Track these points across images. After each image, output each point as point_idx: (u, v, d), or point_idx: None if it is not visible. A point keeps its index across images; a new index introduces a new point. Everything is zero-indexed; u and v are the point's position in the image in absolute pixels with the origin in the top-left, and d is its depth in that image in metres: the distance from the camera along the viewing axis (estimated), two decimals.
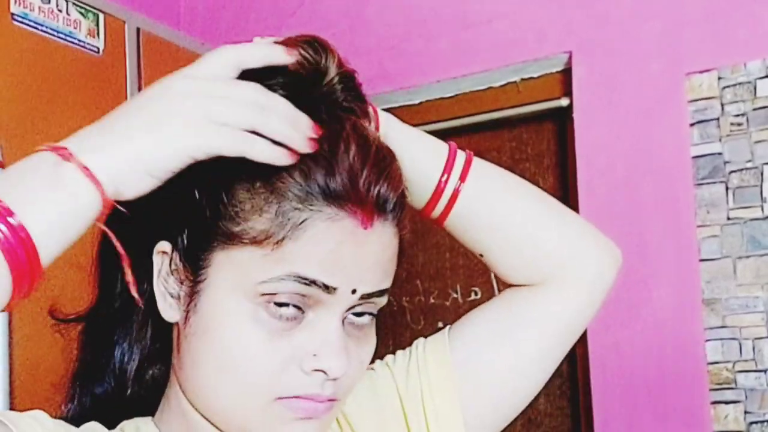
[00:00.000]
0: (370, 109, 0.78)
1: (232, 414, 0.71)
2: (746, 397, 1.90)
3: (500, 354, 0.86)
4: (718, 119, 1.97)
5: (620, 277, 0.90)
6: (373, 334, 0.76)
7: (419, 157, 0.83)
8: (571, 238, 0.87)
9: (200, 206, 0.69)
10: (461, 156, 0.85)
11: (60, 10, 1.91)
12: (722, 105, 1.97)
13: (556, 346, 0.88)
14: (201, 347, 0.70)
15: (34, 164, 0.62)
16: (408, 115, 2.38)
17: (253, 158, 0.65)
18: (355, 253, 0.69)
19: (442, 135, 0.89)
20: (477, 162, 0.86)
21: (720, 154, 1.97)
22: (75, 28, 1.94)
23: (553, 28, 2.18)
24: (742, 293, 1.92)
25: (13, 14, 1.81)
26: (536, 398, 0.90)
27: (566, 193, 2.22)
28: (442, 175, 0.84)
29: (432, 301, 2.40)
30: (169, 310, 0.72)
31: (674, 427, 1.97)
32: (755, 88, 1.94)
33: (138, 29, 2.10)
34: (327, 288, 0.69)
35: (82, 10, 1.96)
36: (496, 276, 0.98)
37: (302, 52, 0.70)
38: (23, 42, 1.84)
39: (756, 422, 1.89)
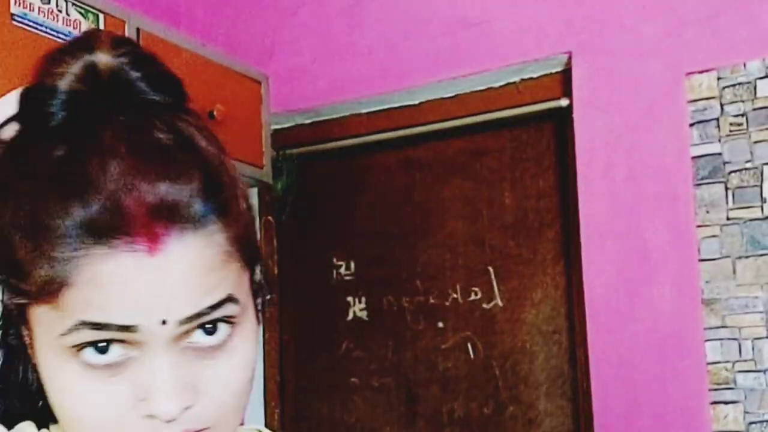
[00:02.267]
0: None
1: None
2: (746, 397, 1.90)
3: None
4: (717, 119, 1.97)
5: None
6: (239, 343, 0.65)
7: None
8: None
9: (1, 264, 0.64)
10: None
11: (60, 11, 1.91)
12: (722, 105, 1.97)
13: None
14: (52, 401, 0.66)
15: None
16: (408, 115, 2.39)
17: None
18: (148, 284, 0.58)
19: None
20: None
21: (719, 154, 1.97)
22: (75, 28, 1.94)
23: (552, 29, 2.18)
24: (742, 293, 1.92)
25: (12, 14, 1.81)
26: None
27: (566, 193, 2.23)
28: None
29: (432, 301, 2.39)
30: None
31: (673, 427, 1.97)
32: (755, 88, 1.94)
33: (138, 29, 2.10)
34: (125, 328, 0.59)
35: (82, 11, 1.96)
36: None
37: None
38: (23, 42, 1.83)
39: (755, 422, 1.89)
